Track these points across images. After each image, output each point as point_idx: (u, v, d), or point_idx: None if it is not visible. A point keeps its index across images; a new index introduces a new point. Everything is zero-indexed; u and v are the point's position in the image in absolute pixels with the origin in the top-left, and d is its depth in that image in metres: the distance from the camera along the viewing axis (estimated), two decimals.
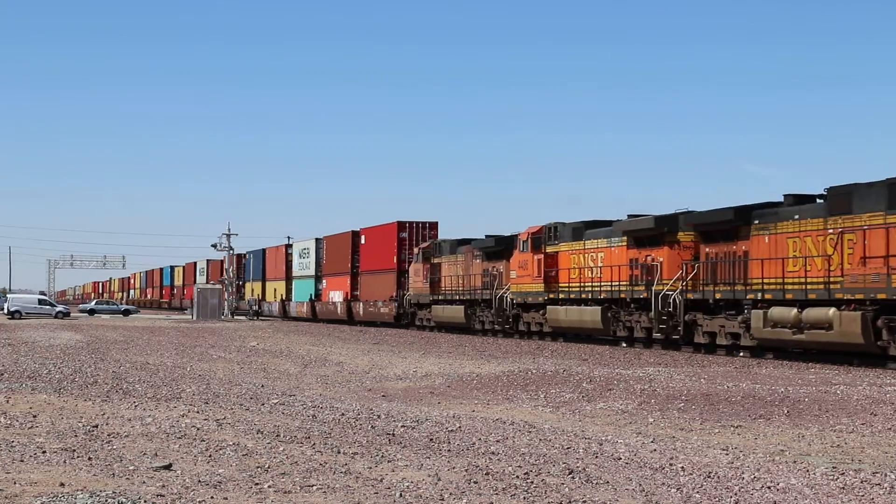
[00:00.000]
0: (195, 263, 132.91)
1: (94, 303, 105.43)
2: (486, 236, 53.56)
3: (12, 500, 9.11)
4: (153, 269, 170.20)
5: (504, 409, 19.49)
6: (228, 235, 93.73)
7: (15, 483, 9.83)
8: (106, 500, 9.08)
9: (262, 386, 23.18)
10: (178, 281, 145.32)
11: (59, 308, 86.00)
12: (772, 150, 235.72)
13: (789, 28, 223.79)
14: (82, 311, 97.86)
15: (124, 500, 9.12)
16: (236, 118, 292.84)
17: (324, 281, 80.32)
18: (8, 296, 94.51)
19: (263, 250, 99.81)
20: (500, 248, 51.41)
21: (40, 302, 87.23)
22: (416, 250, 62.04)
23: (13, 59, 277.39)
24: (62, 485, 9.76)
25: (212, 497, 9.53)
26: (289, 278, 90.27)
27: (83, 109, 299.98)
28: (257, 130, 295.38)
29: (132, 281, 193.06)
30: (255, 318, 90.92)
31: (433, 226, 65.90)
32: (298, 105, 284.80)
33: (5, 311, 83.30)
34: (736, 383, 22.41)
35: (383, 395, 22.30)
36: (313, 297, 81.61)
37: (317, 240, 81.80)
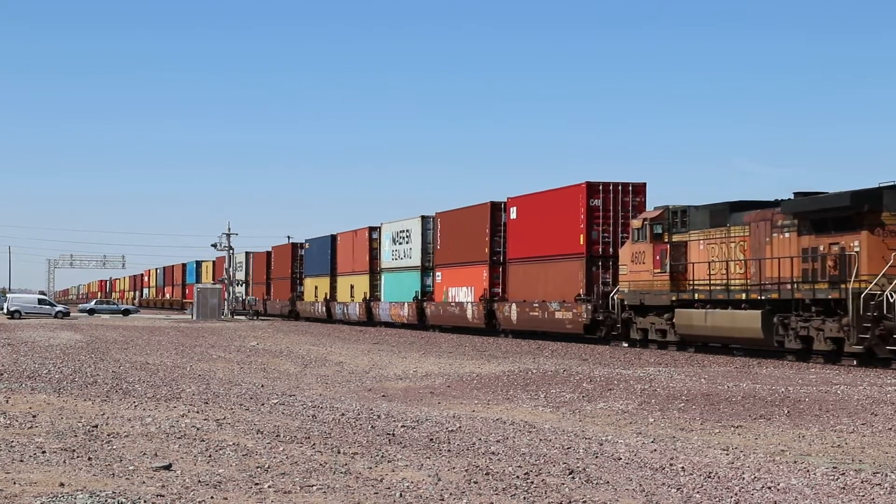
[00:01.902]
0: (228, 258, 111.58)
1: (94, 302, 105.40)
2: (796, 194, 33.36)
3: (12, 500, 9.10)
4: (173, 265, 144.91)
5: (504, 409, 19.49)
6: (228, 235, 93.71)
7: (15, 483, 9.82)
8: (106, 500, 9.07)
9: (262, 386, 23.18)
10: (207, 278, 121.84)
11: (59, 308, 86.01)
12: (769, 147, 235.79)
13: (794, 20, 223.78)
14: (82, 310, 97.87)
15: (124, 500, 9.11)
16: (237, 118, 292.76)
17: (437, 273, 59.43)
18: (8, 295, 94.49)
19: (333, 237, 78.15)
20: (846, 211, 30.26)
21: (40, 302, 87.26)
22: (636, 223, 39.70)
23: (13, 59, 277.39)
24: (62, 485, 9.76)
25: (212, 497, 9.52)
26: (374, 271, 69.27)
27: (83, 109, 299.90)
28: (257, 130, 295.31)
29: (146, 278, 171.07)
30: (255, 317, 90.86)
31: (639, 189, 44.38)
32: (298, 104, 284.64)
33: (5, 310, 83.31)
34: (736, 383, 22.41)
35: (383, 395, 22.30)
36: (420, 296, 60.94)
37: (423, 218, 61.37)
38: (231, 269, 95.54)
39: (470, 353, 36.35)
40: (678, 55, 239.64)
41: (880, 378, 25.04)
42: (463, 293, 55.71)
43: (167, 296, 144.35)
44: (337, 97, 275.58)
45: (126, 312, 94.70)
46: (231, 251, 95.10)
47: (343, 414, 16.57)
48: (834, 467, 12.46)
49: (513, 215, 50.68)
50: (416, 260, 61.95)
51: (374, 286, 69.11)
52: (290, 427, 14.45)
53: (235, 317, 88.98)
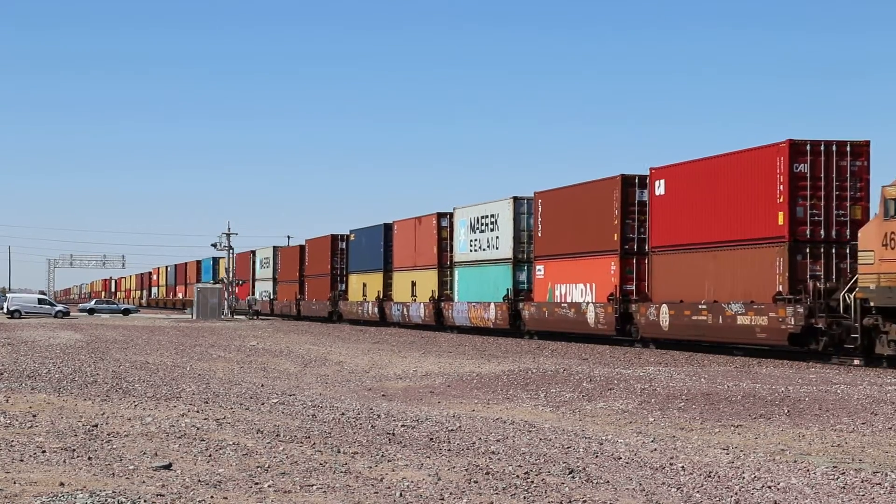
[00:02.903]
0: (253, 253, 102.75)
1: (94, 302, 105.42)
2: None
3: (12, 499, 9.10)
4: (186, 262, 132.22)
5: (504, 409, 19.48)
6: (228, 235, 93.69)
7: (15, 483, 9.82)
8: (106, 500, 9.07)
9: (262, 385, 23.17)
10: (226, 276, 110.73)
11: (59, 307, 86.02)
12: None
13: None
14: (82, 310, 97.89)
15: (124, 499, 9.11)
16: (237, 118, 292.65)
17: (537, 267, 48.04)
18: (8, 295, 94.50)
19: (387, 226, 66.70)
20: None
21: (40, 301, 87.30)
22: (892, 191, 28.31)
23: (13, 59, 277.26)
24: (62, 484, 9.75)
25: (212, 497, 9.52)
26: (444, 265, 58.15)
27: (84, 109, 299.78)
28: (258, 130, 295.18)
29: (154, 277, 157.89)
30: (255, 317, 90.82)
31: (860, 149, 33.34)
32: (299, 104, 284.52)
33: (5, 310, 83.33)
34: (736, 383, 22.41)
35: (383, 395, 22.29)
36: (512, 295, 49.93)
37: (516, 200, 50.32)
38: (231, 269, 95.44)
39: (470, 353, 36.35)
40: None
41: (880, 378, 25.04)
42: (579, 292, 43.91)
43: (179, 295, 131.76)
44: (337, 97, 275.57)
45: (126, 312, 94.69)
46: (231, 251, 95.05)
47: (343, 413, 16.57)
48: (834, 467, 12.46)
49: (659, 190, 39.38)
50: (504, 251, 50.64)
51: (443, 283, 57.91)
52: (290, 427, 14.44)
53: (236, 316, 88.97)
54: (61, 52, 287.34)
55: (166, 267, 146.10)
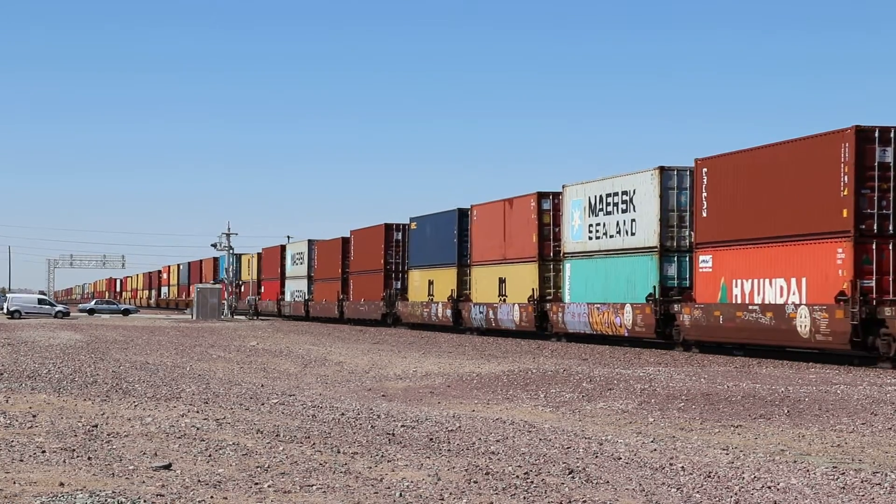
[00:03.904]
0: (282, 248, 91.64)
1: (94, 302, 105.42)
2: None
3: (12, 499, 9.10)
4: (201, 260, 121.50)
5: (504, 409, 19.48)
6: (228, 235, 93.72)
7: (15, 483, 9.82)
8: (105, 500, 9.07)
9: (262, 386, 23.17)
10: (249, 274, 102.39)
11: (59, 308, 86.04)
12: None
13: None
14: (82, 310, 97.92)
15: (124, 499, 9.11)
16: (237, 118, 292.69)
17: (702, 258, 36.21)
18: (8, 295, 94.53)
19: (463, 211, 55.79)
20: None
21: (40, 301, 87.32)
22: None
23: (13, 59, 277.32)
24: (62, 484, 9.76)
25: (212, 497, 9.52)
26: (547, 258, 47.11)
27: (84, 109, 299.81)
28: (257, 130, 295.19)
29: (164, 276, 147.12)
30: (255, 317, 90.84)
31: None
32: (298, 104, 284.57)
33: (5, 310, 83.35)
34: (736, 383, 22.41)
35: (383, 395, 22.29)
36: (658, 295, 38.11)
37: (663, 170, 38.44)
38: (231, 269, 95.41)
39: (470, 353, 36.35)
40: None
41: (880, 378, 25.04)
42: (777, 290, 32.48)
43: (192, 295, 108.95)
44: (337, 97, 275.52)
45: (126, 312, 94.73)
46: (231, 251, 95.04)
47: (343, 414, 16.57)
48: (834, 467, 12.46)
49: None
50: (645, 237, 39.23)
51: (546, 279, 46.96)
52: (290, 427, 14.44)
53: (236, 317, 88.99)
54: (61, 52, 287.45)
55: (178, 265, 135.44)
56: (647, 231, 39.08)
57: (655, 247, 38.58)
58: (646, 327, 38.69)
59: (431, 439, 13.87)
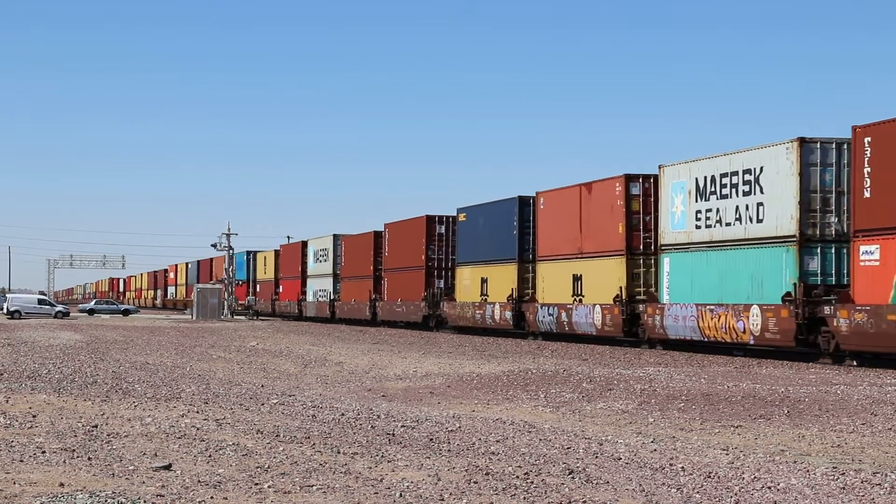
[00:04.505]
0: (304, 244, 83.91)
1: (93, 302, 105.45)
2: None
3: (12, 500, 9.10)
4: (212, 258, 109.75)
5: (504, 409, 19.48)
6: (228, 235, 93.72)
7: (15, 483, 9.82)
8: (105, 500, 9.07)
9: (262, 386, 23.17)
10: (265, 272, 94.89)
11: (59, 308, 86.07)
12: None
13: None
14: (82, 310, 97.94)
15: (124, 500, 9.12)
16: (237, 118, 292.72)
17: (862, 250, 29.55)
18: (7, 295, 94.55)
19: (524, 200, 49.11)
20: None
21: (40, 302, 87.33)
22: None
23: (13, 59, 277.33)
24: (62, 485, 9.76)
25: (212, 497, 9.52)
26: (636, 251, 40.36)
27: (83, 109, 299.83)
28: (257, 130, 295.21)
29: (171, 275, 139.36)
30: (255, 317, 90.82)
31: None
32: (298, 104, 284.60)
33: (5, 310, 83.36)
34: (736, 383, 22.41)
35: (383, 395, 22.29)
36: (799, 293, 31.50)
37: (803, 142, 31.91)
38: (231, 269, 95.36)
39: (470, 353, 36.34)
40: None
41: (880, 378, 25.05)
42: None
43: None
44: (337, 97, 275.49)
45: (126, 312, 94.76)
46: (231, 251, 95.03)
47: (343, 414, 16.57)
48: (834, 467, 12.46)
49: None
50: (778, 223, 32.59)
51: (634, 276, 40.34)
52: (290, 427, 14.45)
53: (235, 317, 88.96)
54: (61, 52, 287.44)
55: (186, 264, 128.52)
56: (782, 217, 32.34)
57: (793, 236, 31.78)
58: (781, 333, 31.81)
59: (431, 439, 13.87)
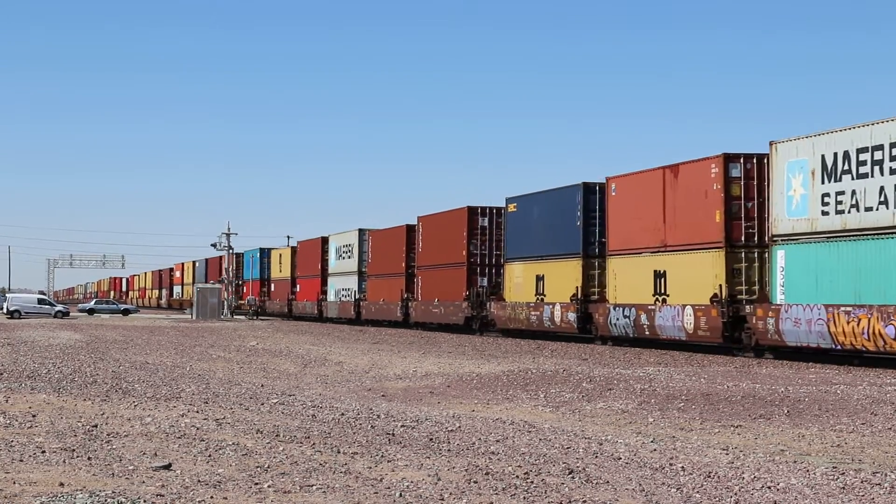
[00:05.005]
0: (324, 240, 78.16)
1: (93, 302, 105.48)
2: None
3: (12, 499, 9.10)
4: (221, 256, 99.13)
5: (504, 409, 19.48)
6: (228, 235, 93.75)
7: (14, 483, 9.82)
8: (105, 500, 9.07)
9: (262, 386, 23.17)
10: (280, 271, 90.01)
11: (59, 308, 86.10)
12: None
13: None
14: (82, 310, 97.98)
15: (124, 499, 9.11)
16: (237, 118, 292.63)
17: None
18: (7, 295, 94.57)
19: (589, 186, 43.51)
20: None
21: (40, 301, 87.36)
22: None
23: (13, 59, 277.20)
24: (62, 485, 9.76)
25: (211, 497, 9.52)
26: (736, 243, 34.87)
27: (83, 109, 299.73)
28: (257, 130, 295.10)
29: (178, 274, 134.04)
30: (255, 317, 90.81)
31: None
32: (298, 104, 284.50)
33: (5, 310, 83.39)
34: (736, 383, 22.40)
35: (383, 395, 22.29)
36: None
37: None
38: (231, 268, 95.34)
39: (470, 353, 36.33)
40: None
41: (880, 378, 25.04)
42: None
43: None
44: (337, 97, 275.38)
45: (126, 312, 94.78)
46: (230, 251, 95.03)
47: (343, 414, 16.57)
48: (834, 467, 12.46)
49: None
50: None
51: (735, 272, 34.59)
52: (289, 427, 14.45)
53: (235, 317, 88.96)
54: (62, 52, 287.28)
55: (193, 262, 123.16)
56: None
57: None
58: None
59: (431, 439, 13.86)
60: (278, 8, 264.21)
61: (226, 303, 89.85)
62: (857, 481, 11.54)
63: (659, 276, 37.93)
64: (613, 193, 41.28)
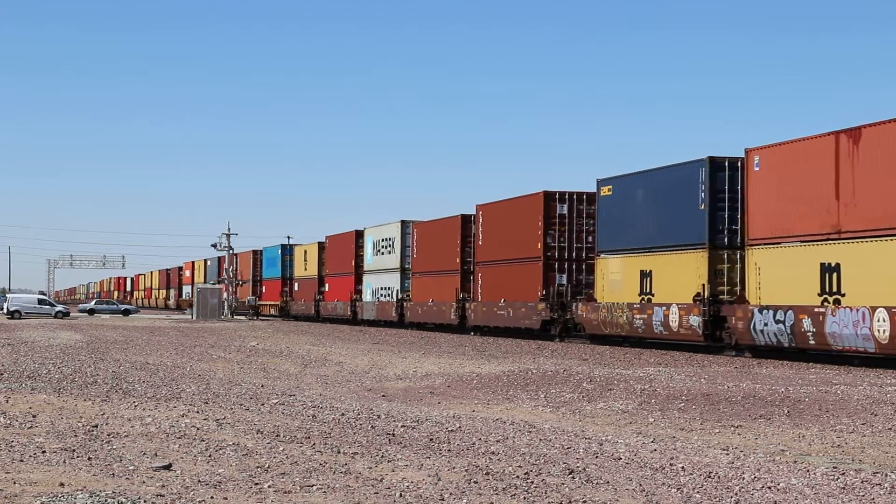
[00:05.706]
0: (358, 234, 71.15)
1: (93, 302, 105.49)
2: None
3: (12, 499, 9.10)
4: (237, 254, 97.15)
5: (504, 409, 19.48)
6: (228, 235, 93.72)
7: (15, 483, 9.82)
8: (105, 500, 9.07)
9: (262, 386, 23.17)
10: (306, 269, 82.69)
11: (59, 308, 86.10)
12: None
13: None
14: (82, 310, 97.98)
15: (124, 500, 9.11)
16: (237, 118, 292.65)
17: None
18: (7, 295, 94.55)
19: (716, 162, 35.40)
20: None
21: (40, 302, 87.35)
22: None
23: (13, 59, 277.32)
24: (62, 485, 9.76)
25: (212, 497, 9.52)
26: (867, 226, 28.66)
27: (83, 109, 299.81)
28: (257, 130, 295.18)
29: (187, 273, 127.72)
30: (255, 317, 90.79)
31: None
32: (298, 104, 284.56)
33: (5, 310, 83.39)
34: (736, 383, 22.40)
35: (383, 395, 22.29)
36: None
37: None
38: (231, 268, 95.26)
39: (470, 353, 36.33)
40: None
41: (880, 378, 25.04)
42: None
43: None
44: (338, 97, 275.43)
45: (126, 312, 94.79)
46: (230, 251, 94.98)
47: (343, 414, 16.57)
48: (834, 467, 12.46)
49: None
50: None
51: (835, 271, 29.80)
52: (290, 427, 14.45)
53: (235, 317, 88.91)
54: (61, 52, 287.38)
55: (205, 261, 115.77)
56: None
57: None
58: None
59: (431, 439, 13.86)
60: (278, 8, 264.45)
61: (226, 303, 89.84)
62: (857, 481, 11.54)
63: (827, 270, 30.08)
64: (756, 169, 33.35)
